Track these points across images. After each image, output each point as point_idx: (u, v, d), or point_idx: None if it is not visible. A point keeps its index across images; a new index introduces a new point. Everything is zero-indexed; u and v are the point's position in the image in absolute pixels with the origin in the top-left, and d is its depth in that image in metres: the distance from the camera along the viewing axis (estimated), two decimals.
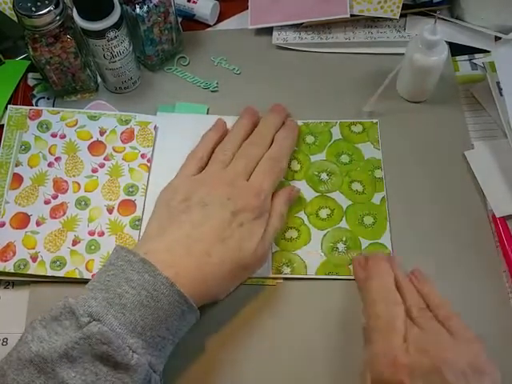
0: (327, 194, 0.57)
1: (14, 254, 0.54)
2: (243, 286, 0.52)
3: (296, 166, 0.59)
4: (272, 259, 0.54)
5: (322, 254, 0.54)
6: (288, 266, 0.53)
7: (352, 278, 0.52)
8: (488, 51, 0.65)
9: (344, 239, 0.54)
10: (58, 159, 0.59)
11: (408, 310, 0.45)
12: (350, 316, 0.51)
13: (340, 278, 0.53)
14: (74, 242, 0.54)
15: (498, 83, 0.60)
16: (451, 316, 0.44)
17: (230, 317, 0.51)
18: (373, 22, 0.68)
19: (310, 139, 0.60)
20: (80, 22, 0.56)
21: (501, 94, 0.60)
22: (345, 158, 0.59)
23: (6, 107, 0.62)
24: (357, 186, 0.57)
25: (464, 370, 0.40)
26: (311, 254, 0.54)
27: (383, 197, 0.57)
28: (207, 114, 0.63)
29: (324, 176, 0.58)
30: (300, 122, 0.61)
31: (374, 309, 0.46)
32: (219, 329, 0.51)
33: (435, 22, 0.54)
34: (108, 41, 0.57)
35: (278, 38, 0.68)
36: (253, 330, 0.51)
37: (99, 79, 0.65)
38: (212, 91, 0.65)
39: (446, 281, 0.52)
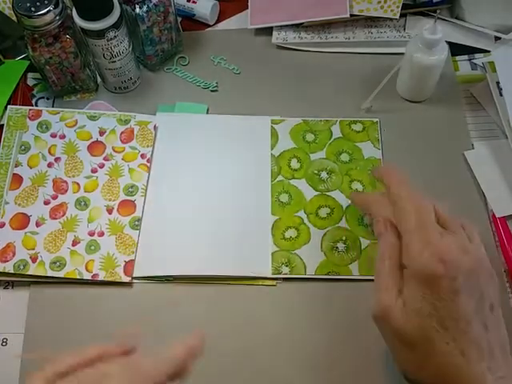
0: (327, 193, 0.57)
1: (14, 254, 0.54)
2: (243, 286, 0.52)
3: (296, 164, 0.59)
4: (271, 259, 0.54)
5: (322, 254, 0.54)
6: (287, 266, 0.53)
7: (352, 277, 0.52)
8: (488, 51, 0.65)
9: (344, 238, 0.54)
10: (57, 159, 0.59)
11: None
12: (350, 315, 0.51)
13: (340, 277, 0.53)
14: (74, 243, 0.54)
15: (497, 83, 0.60)
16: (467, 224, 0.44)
17: (230, 317, 0.51)
18: (373, 21, 0.68)
19: (309, 137, 0.60)
20: (79, 22, 0.56)
21: (501, 94, 0.60)
22: (345, 157, 0.59)
23: (6, 107, 0.62)
24: (357, 185, 0.57)
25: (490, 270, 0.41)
26: (311, 254, 0.54)
27: None
28: (207, 113, 0.63)
29: (324, 175, 0.58)
30: (299, 120, 0.61)
31: (405, 212, 0.42)
32: (219, 329, 0.51)
33: (435, 21, 0.54)
34: (107, 41, 0.57)
35: (277, 37, 0.68)
36: (253, 331, 0.51)
37: (99, 79, 0.65)
38: (212, 91, 0.65)
39: None
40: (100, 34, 0.57)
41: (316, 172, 0.58)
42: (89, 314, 0.52)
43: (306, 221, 0.56)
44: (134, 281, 0.53)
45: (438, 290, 0.38)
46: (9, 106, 0.62)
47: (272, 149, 0.60)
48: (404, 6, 0.65)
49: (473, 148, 0.59)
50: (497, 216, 0.55)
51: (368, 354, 0.49)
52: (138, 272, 0.53)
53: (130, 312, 0.52)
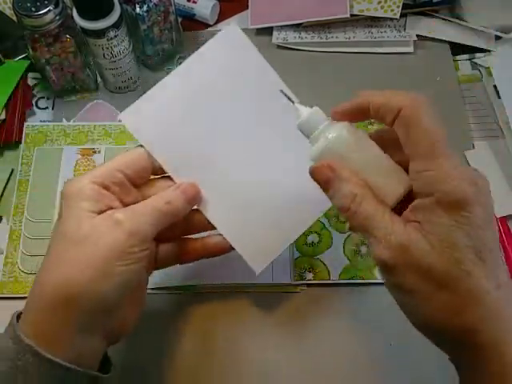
0: None
1: None
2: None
3: None
4: (293, 265, 0.53)
5: (345, 258, 0.53)
6: (310, 272, 0.53)
7: (376, 281, 0.52)
8: (488, 51, 0.65)
9: (366, 242, 0.54)
10: None
11: None
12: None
13: (365, 282, 0.52)
14: None
15: (494, 86, 0.61)
16: None
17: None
18: (373, 21, 0.68)
19: None
20: (80, 22, 0.56)
21: (499, 97, 0.60)
22: None
23: (5, 106, 0.61)
24: None
25: None
26: (334, 259, 0.53)
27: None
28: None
29: None
30: None
31: (419, 137, 0.37)
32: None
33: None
34: (108, 40, 0.57)
35: (278, 37, 0.67)
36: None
37: (99, 79, 0.65)
38: None
39: None
40: (100, 33, 0.56)
41: None
42: None
43: (327, 225, 0.55)
44: (149, 291, 0.52)
45: (472, 217, 0.33)
46: (25, 124, 0.62)
47: None
48: (404, 6, 0.65)
49: (473, 148, 0.59)
50: (497, 216, 0.55)
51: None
52: (151, 283, 0.52)
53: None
